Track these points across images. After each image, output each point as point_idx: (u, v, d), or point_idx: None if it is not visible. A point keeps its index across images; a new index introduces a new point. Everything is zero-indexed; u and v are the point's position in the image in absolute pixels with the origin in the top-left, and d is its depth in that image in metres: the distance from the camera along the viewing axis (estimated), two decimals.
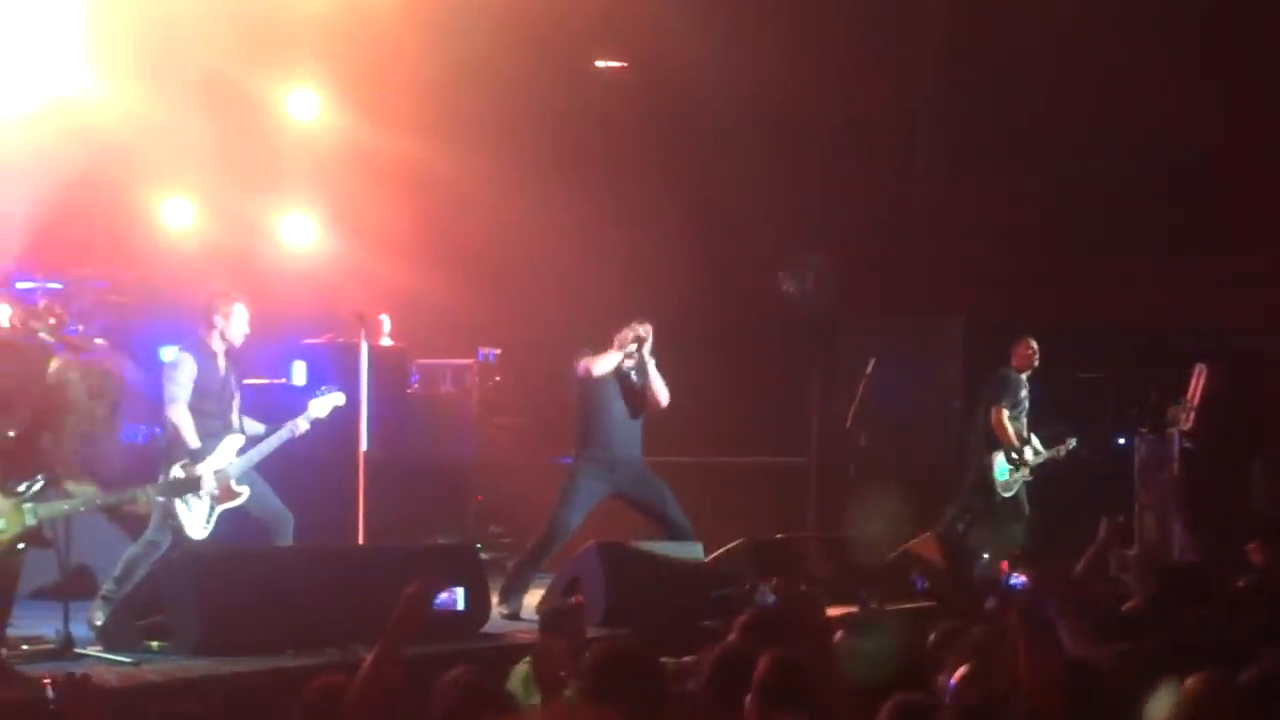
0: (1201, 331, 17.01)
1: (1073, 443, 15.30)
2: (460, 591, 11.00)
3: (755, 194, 17.62)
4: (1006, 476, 14.94)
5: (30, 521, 9.25)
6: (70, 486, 9.64)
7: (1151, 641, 7.48)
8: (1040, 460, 15.11)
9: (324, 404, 11.76)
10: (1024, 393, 15.11)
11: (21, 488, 9.26)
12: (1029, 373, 15.15)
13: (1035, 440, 15.17)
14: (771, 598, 10.23)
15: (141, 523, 11.13)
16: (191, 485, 10.73)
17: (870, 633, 7.50)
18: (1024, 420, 15.16)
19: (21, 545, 9.25)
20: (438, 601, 6.35)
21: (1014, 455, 14.94)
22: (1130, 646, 7.14)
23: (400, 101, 16.89)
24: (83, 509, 9.72)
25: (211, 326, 11.35)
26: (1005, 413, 14.93)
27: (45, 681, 5.64)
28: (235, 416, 11.44)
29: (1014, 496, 14.98)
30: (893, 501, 14.16)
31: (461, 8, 16.27)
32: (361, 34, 16.16)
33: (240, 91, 16.09)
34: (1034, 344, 15.14)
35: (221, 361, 11.39)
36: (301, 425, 11.49)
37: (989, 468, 14.95)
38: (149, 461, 11.25)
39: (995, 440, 14.98)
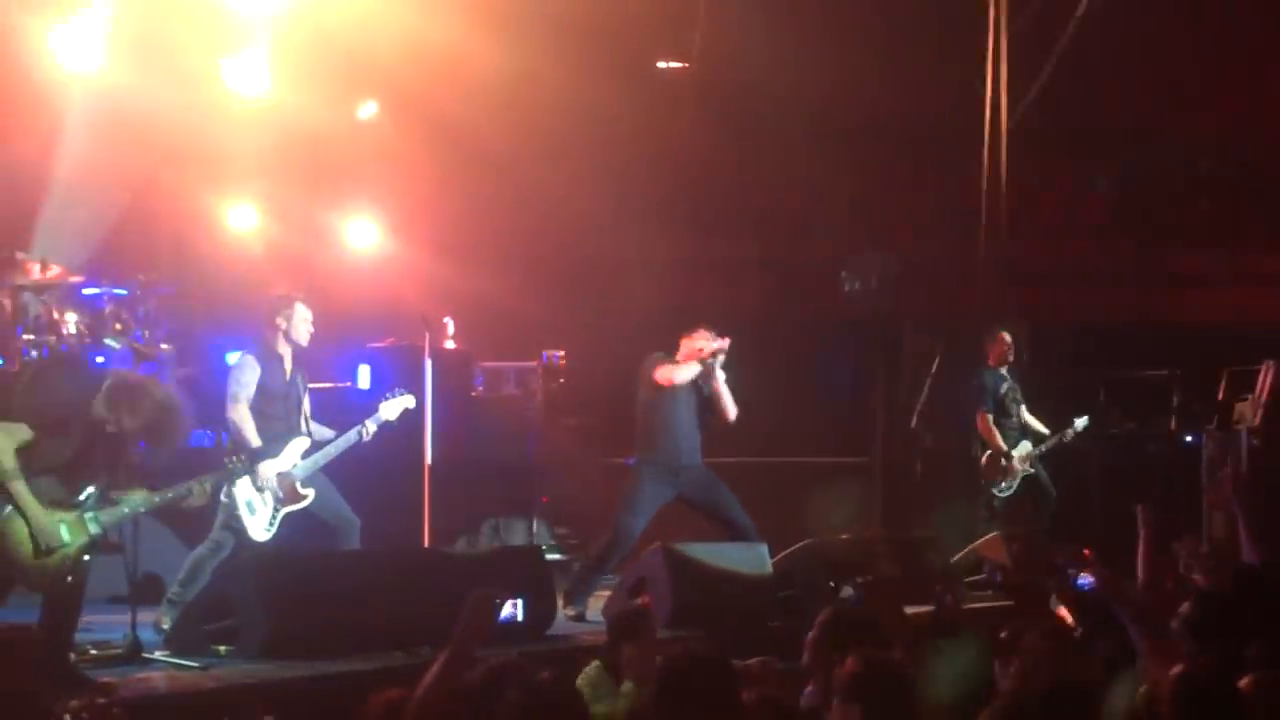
0: (1270, 327, 16.84)
1: (1079, 424, 15.25)
2: (519, 603, 10.97)
3: (818, 194, 17.58)
4: (1001, 479, 15.00)
5: (94, 530, 9.31)
6: (129, 494, 9.64)
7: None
8: (1039, 451, 15.11)
9: (394, 406, 11.74)
10: (1005, 387, 15.08)
11: (81, 498, 9.31)
12: (1006, 366, 15.11)
13: (1035, 426, 15.20)
14: (856, 596, 10.16)
15: (206, 525, 11.17)
16: (245, 471, 10.70)
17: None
18: (1016, 412, 15.14)
19: (87, 556, 9.30)
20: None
21: (1003, 461, 14.93)
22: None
23: (462, 104, 16.91)
24: (143, 509, 9.74)
25: (275, 329, 11.34)
26: (990, 416, 14.93)
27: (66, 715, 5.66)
28: (301, 420, 11.47)
29: (1014, 494, 15.00)
30: None
31: (523, 10, 16.28)
32: (423, 39, 16.16)
33: (301, 95, 16.14)
34: (1008, 337, 15.13)
35: (287, 365, 11.38)
36: (369, 428, 11.47)
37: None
38: (208, 465, 11.26)
39: (985, 444, 15.06)
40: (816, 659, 6.96)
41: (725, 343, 12.61)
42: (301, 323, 11.38)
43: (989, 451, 14.95)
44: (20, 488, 9.07)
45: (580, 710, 5.80)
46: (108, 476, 9.48)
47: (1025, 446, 15.03)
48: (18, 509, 9.08)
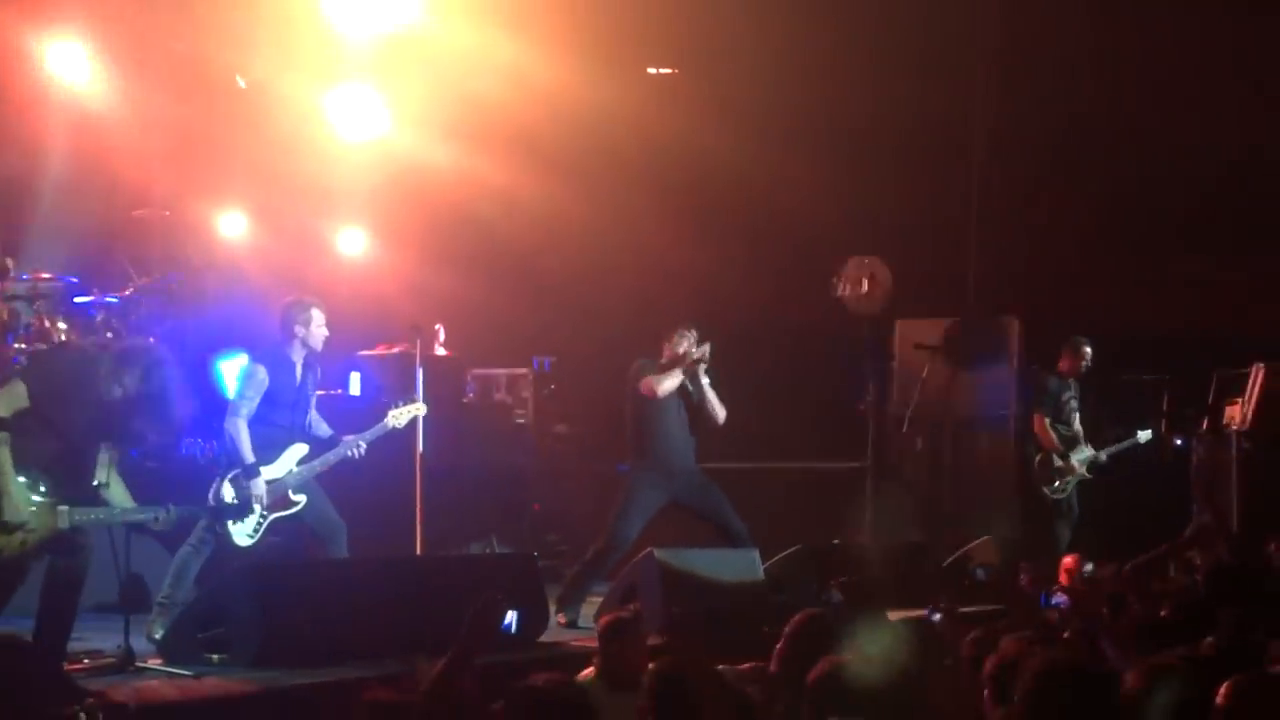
0: (1260, 331, 16.84)
1: (1142, 436, 15.38)
2: (514, 615, 10.94)
3: (809, 199, 17.58)
4: (1054, 480, 15.03)
5: (63, 525, 9.16)
6: (107, 494, 9.49)
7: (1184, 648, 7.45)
8: (1095, 460, 15.15)
9: (403, 415, 11.74)
10: (1067, 395, 15.18)
11: (56, 489, 9.18)
12: (1075, 378, 15.22)
13: (1088, 441, 15.21)
14: (838, 597, 10.19)
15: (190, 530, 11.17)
16: (238, 511, 10.73)
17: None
18: (1074, 421, 15.19)
19: (48, 552, 9.14)
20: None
21: (1058, 460, 14.96)
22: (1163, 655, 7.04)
23: (450, 112, 16.90)
24: (119, 521, 9.61)
25: (292, 336, 11.31)
26: (1046, 420, 15.00)
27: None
28: (306, 422, 11.44)
29: (1065, 499, 15.07)
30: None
31: (512, 17, 16.26)
32: (411, 48, 16.14)
33: (291, 103, 16.13)
34: (1087, 350, 15.19)
35: (298, 370, 11.35)
36: (361, 447, 11.44)
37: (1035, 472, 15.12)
38: (201, 478, 11.23)
39: (1040, 445, 15.07)
40: (782, 669, 6.98)
41: (707, 349, 12.64)
42: (318, 328, 11.37)
43: (1041, 454, 15.05)
44: (3, 453, 8.93)
45: (586, 712, 5.84)
46: (86, 480, 9.31)
47: (1085, 452, 15.13)
48: None
